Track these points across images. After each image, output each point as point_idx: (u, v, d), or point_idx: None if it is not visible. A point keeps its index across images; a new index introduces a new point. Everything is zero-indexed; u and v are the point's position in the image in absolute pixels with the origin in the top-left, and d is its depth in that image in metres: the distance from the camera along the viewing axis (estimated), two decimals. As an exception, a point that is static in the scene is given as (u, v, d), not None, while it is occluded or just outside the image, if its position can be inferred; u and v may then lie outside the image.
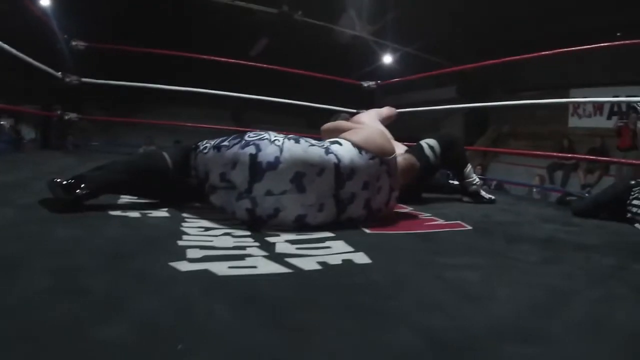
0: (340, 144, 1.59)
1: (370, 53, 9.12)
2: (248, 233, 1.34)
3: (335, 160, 1.48)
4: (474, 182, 2.63)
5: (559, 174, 8.01)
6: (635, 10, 6.39)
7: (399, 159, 1.89)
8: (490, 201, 2.62)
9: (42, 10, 4.87)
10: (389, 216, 1.83)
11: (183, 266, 0.95)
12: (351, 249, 1.25)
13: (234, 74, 7.26)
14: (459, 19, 7.99)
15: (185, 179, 1.62)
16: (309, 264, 1.07)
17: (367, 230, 1.56)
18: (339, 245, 1.29)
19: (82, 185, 1.41)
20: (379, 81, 5.08)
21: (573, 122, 9.30)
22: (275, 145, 1.43)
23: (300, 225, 1.45)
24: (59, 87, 3.89)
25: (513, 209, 2.56)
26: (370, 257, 1.18)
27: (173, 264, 0.96)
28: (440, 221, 1.89)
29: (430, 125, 10.69)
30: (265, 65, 4.91)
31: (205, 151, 1.54)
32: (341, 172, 1.48)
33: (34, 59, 3.26)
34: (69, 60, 4.01)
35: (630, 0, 6.32)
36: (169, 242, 1.15)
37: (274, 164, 1.39)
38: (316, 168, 1.44)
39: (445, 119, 11.06)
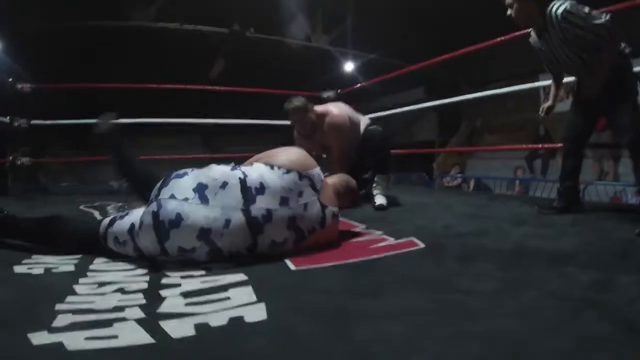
0: (250, 165, 1.54)
1: (330, 62, 8.89)
2: (145, 286, 1.13)
3: (241, 175, 1.40)
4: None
5: (538, 163, 7.81)
6: None
7: (335, 180, 1.73)
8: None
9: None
10: (329, 240, 1.56)
11: (38, 338, 0.80)
12: (253, 299, 0.99)
13: (199, 99, 7.01)
14: (416, 21, 7.81)
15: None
16: (182, 329, 0.83)
17: (292, 266, 1.29)
18: (242, 295, 1.02)
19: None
20: (339, 90, 4.87)
21: (546, 107, 9.08)
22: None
23: (207, 243, 1.29)
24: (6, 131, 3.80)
25: (482, 212, 2.30)
26: (270, 309, 0.92)
27: (31, 335, 0.81)
28: (390, 240, 1.62)
29: (403, 129, 10.50)
30: (221, 88, 4.84)
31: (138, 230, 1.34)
32: (248, 186, 1.38)
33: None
34: (17, 104, 3.95)
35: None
36: (46, 306, 0.98)
37: (182, 175, 1.38)
38: (218, 181, 1.36)
39: (418, 121, 10.87)
